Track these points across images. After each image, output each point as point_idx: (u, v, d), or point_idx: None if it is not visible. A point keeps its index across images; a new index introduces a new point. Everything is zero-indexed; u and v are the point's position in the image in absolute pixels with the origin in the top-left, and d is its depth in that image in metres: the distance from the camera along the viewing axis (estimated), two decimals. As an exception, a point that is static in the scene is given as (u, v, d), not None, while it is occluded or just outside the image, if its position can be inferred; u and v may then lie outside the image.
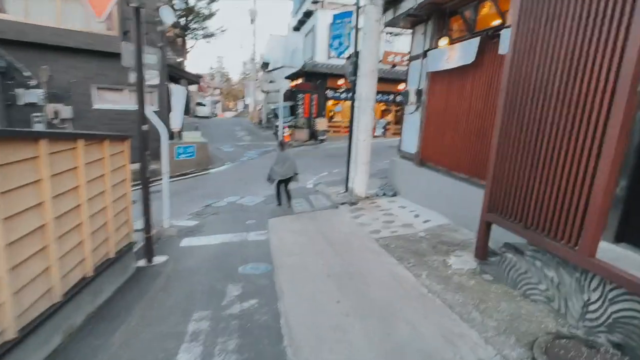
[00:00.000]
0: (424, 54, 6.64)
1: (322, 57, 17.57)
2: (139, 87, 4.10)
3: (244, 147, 16.16)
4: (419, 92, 6.81)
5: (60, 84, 9.73)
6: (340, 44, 7.94)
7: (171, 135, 12.02)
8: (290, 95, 21.05)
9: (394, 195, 7.47)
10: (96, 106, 10.42)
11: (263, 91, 29.32)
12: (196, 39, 16.02)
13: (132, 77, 5.47)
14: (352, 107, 8.15)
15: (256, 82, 30.77)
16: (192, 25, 15.45)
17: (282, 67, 23.06)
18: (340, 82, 17.38)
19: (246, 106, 63.60)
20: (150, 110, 5.53)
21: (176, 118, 11.68)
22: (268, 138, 19.97)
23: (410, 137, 7.28)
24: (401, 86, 18.28)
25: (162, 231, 5.88)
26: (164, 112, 11.64)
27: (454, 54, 5.36)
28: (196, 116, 34.03)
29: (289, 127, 17.17)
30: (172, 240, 5.68)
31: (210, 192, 9.25)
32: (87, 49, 9.70)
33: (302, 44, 20.72)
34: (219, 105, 65.55)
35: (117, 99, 10.81)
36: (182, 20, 15.60)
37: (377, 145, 15.67)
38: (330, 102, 18.82)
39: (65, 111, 9.88)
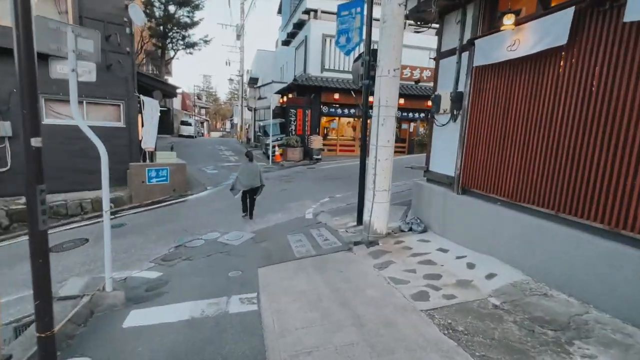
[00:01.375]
0: (463, 47, 5.09)
1: (315, 69, 16.17)
2: (23, 74, 2.24)
3: (230, 169, 14.31)
4: (456, 97, 5.21)
5: (-3, 93, 7.83)
6: (349, 40, 6.39)
7: (143, 156, 10.14)
8: (281, 111, 19.51)
9: (424, 231, 5.72)
10: (47, 121, 8.51)
11: (250, 109, 27.77)
12: (175, 49, 14.40)
13: (57, 70, 3.73)
14: (364, 120, 6.54)
15: (244, 100, 29.24)
16: (173, 35, 13.86)
17: (271, 82, 21.60)
18: (336, 96, 15.92)
19: (234, 126, 62.22)
20: (83, 123, 3.73)
21: (148, 135, 9.84)
22: (257, 158, 18.14)
23: (443, 155, 5.63)
24: (401, 100, 16.95)
25: (99, 299, 3.94)
26: (133, 128, 9.79)
27: (525, 37, 3.78)
28: (181, 135, 32.13)
29: (280, 145, 15.48)
30: (112, 317, 3.75)
31: (185, 226, 7.35)
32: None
33: (293, 57, 19.37)
34: (206, 125, 63.94)
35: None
36: (161, 29, 14.00)
37: None
38: (324, 119, 17.30)
39: (3, 127, 7.95)
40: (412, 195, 6.52)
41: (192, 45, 14.48)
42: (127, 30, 9.26)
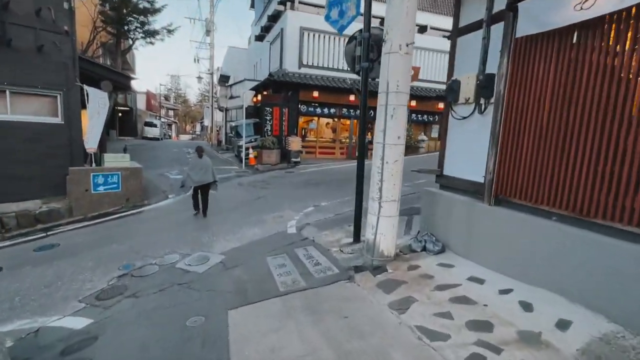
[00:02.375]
0: (494, 17, 3.98)
1: (293, 65, 14.89)
2: None
3: (197, 173, 12.66)
4: (485, 81, 4.08)
5: None
6: (342, 13, 5.16)
7: (90, 160, 8.40)
8: (254, 111, 18.03)
9: (442, 251, 4.56)
10: (-48, 115, 6.67)
11: (221, 109, 26.00)
12: (133, 38, 12.60)
13: None
14: (363, 112, 5.32)
15: (214, 99, 27.41)
16: (130, 20, 12.11)
17: (243, 80, 20.08)
18: (315, 94, 14.70)
19: (204, 128, 59.59)
20: None
21: (92, 134, 8.13)
22: (228, 162, 16.60)
23: (465, 156, 4.50)
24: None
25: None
26: (75, 125, 8.06)
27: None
28: (145, 137, 29.72)
29: (255, 147, 14.02)
30: None
31: (137, 246, 5.80)
32: None
33: (268, 53, 17.98)
34: (174, 127, 60.82)
35: (-8, 104, 7.11)
36: (115, 14, 12.18)
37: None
38: (302, 119, 16.02)
39: None
40: (422, 205, 5.35)
41: (152, 33, 12.75)
42: (65, 4, 7.58)
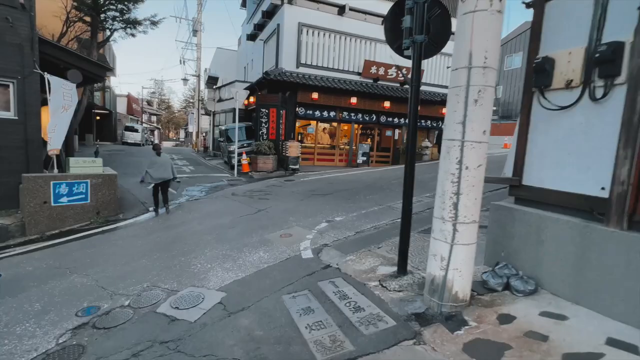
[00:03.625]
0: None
1: (290, 64, 13.65)
2: None
3: (184, 182, 11.15)
4: (609, 53, 2.90)
5: None
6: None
7: (51, 164, 6.86)
8: (245, 114, 16.65)
9: (534, 291, 3.30)
10: None
11: (209, 113, 24.48)
12: (111, 28, 11.12)
13: None
14: (413, 103, 4.07)
15: (200, 103, 25.86)
16: (108, 6, 10.61)
17: (234, 81, 18.71)
18: (315, 95, 13.48)
19: (188, 135, 57.56)
20: None
21: (56, 132, 6.61)
22: (218, 169, 15.10)
23: (567, 160, 3.29)
24: (386, 103, 14.94)
25: None
26: (32, 121, 6.53)
27: None
28: (125, 143, 27.77)
29: (249, 153, 12.61)
30: None
31: (104, 279, 4.34)
32: None
33: (261, 52, 16.71)
34: (157, 133, 58.64)
35: None
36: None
37: (382, 175, 10.56)
38: (298, 123, 14.75)
39: None
40: (490, 225, 4.09)
41: (133, 23, 11.28)
42: (22, -28, 6.12)
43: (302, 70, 13.89)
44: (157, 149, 7.69)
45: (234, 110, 19.82)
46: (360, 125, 15.79)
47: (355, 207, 7.52)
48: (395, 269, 4.26)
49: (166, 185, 7.55)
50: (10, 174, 6.23)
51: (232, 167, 13.59)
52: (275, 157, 12.42)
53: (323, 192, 9.18)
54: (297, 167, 12.38)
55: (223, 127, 16.17)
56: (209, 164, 17.09)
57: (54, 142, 6.49)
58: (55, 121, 6.53)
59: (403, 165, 12.69)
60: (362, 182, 10.63)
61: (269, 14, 15.20)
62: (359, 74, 14.97)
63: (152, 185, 7.40)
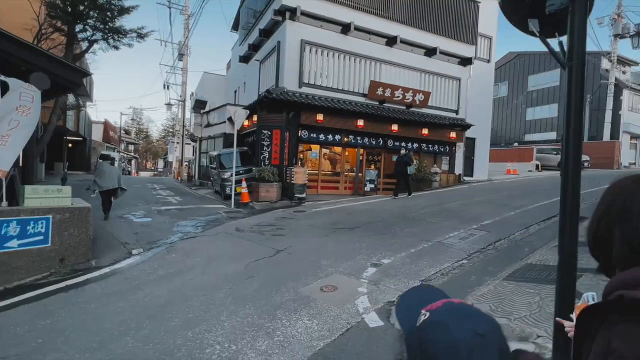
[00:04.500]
0: None
1: (292, 83, 12.46)
2: None
3: (172, 215, 9.36)
4: None
5: None
6: None
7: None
8: (239, 139, 15.15)
9: None
10: None
11: (195, 139, 22.83)
12: (90, 39, 9.63)
13: None
14: (576, 96, 2.66)
15: (186, 129, 24.22)
16: (88, 14, 9.18)
17: (225, 105, 17.33)
18: (320, 117, 12.23)
19: (168, 164, 55.19)
20: None
21: (7, 149, 4.86)
22: (208, 199, 13.33)
23: None
24: (394, 126, 13.87)
25: None
26: (-27, 136, 4.78)
27: None
28: (99, 172, 25.36)
29: (249, 180, 10.99)
30: None
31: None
32: None
33: (257, 74, 15.53)
34: (134, 163, 56.00)
35: None
36: (67, 7, 9.19)
37: (395, 207, 9.43)
38: (300, 147, 13.36)
39: None
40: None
41: (118, 32, 9.81)
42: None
43: (305, 90, 12.71)
44: (104, 158, 8.59)
45: (224, 135, 18.41)
46: (366, 150, 14.58)
47: (398, 245, 6.02)
48: (528, 346, 2.74)
49: (111, 194, 8.08)
50: None
51: (226, 197, 11.93)
52: (279, 185, 10.86)
53: (347, 225, 7.63)
54: (304, 195, 10.85)
55: (214, 153, 14.56)
56: (196, 194, 15.28)
57: (2, 160, 4.73)
58: (7, 129, 4.80)
59: (421, 193, 11.38)
60: (387, 212, 9.19)
61: (267, 32, 14.18)
62: (364, 95, 13.95)
63: (97, 192, 7.83)
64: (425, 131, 14.68)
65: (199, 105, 20.76)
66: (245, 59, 17.52)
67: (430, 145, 15.53)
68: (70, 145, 23.83)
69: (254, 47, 15.98)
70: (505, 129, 32.34)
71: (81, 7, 9.64)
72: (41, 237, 4.88)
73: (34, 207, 4.91)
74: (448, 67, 16.03)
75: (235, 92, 20.68)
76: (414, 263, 5.12)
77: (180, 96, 23.63)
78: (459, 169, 16.95)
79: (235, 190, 10.76)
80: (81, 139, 25.46)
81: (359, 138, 13.67)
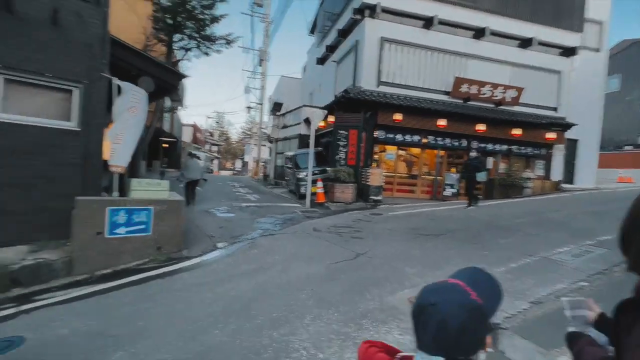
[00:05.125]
0: None
1: (369, 82, 12.16)
2: None
3: (252, 212, 9.74)
4: None
5: None
6: None
7: (108, 186, 5.70)
8: (314, 139, 15.31)
9: None
10: None
11: (271, 140, 23.87)
12: (186, 47, 10.62)
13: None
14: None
15: (262, 131, 25.46)
16: (185, 25, 10.17)
17: (301, 106, 17.73)
18: (398, 116, 11.69)
19: (245, 164, 58.98)
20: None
21: (122, 146, 5.43)
22: (284, 198, 13.68)
23: None
24: (481, 127, 12.65)
25: None
26: (94, 133, 5.42)
27: None
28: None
29: (325, 180, 10.97)
30: None
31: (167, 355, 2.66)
32: None
33: (333, 75, 15.57)
34: (216, 162, 60.89)
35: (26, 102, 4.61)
36: (170, 21, 10.26)
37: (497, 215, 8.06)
38: (376, 148, 12.95)
39: None
40: None
41: (209, 39, 10.71)
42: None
43: (382, 89, 12.30)
44: (191, 155, 10.18)
45: (299, 136, 18.87)
46: (446, 152, 13.58)
47: (494, 258, 5.31)
48: None
49: (195, 184, 9.66)
50: (63, 197, 5.06)
51: (301, 197, 12.08)
52: (355, 186, 10.63)
53: (430, 231, 7.07)
54: (380, 198, 10.45)
55: (290, 153, 14.95)
56: (272, 192, 15.84)
57: (118, 157, 5.29)
58: (121, 127, 5.36)
59: (510, 201, 10.10)
60: (473, 219, 8.35)
61: (345, 32, 14.08)
62: (446, 93, 13.01)
63: (184, 183, 9.45)
64: (516, 131, 13.15)
65: (276, 107, 21.62)
66: (321, 60, 17.70)
67: (522, 148, 13.89)
68: (165, 145, 26.72)
69: (331, 48, 16.03)
70: (615, 129, 27.66)
71: (179, 19, 10.57)
72: (144, 226, 5.34)
73: (139, 198, 5.39)
74: (546, 59, 14.16)
75: (311, 94, 21.05)
76: (518, 280, 4.42)
77: (260, 99, 24.92)
78: (556, 174, 14.86)
79: (310, 190, 10.82)
80: (174, 139, 28.37)
81: (439, 139, 12.79)
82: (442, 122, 12.23)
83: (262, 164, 27.31)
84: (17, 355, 2.99)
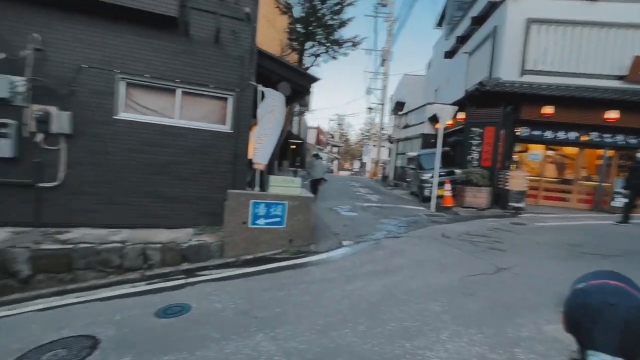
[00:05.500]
0: None
1: (510, 72, 10.61)
2: None
3: (374, 212, 9.65)
4: None
5: (56, 69, 5.16)
6: None
7: (250, 181, 6.41)
8: (435, 139, 14.27)
9: None
10: (122, 115, 5.53)
11: (392, 141, 23.45)
12: (316, 54, 11.27)
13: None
14: None
15: (382, 132, 25.22)
16: (315, 32, 10.84)
17: (424, 105, 16.82)
18: (548, 109, 9.85)
19: (363, 165, 59.77)
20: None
21: (262, 144, 6.04)
22: (403, 199, 13.19)
23: None
24: (612, 114, 9.54)
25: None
26: (242, 135, 6.17)
27: None
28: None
29: (454, 182, 10.09)
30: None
31: (298, 355, 2.76)
32: (113, 4, 5.03)
33: (464, 68, 14.23)
34: (336, 163, 63.54)
35: (162, 106, 5.80)
36: (302, 29, 11.08)
37: None
38: (516, 148, 11.22)
39: (59, 120, 5.16)
40: None
41: (337, 43, 11.17)
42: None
43: (527, 78, 10.58)
44: (316, 157, 11.21)
45: (422, 135, 17.96)
46: (616, 152, 10.80)
47: None
48: None
49: (319, 182, 10.42)
50: (217, 189, 5.93)
51: (425, 199, 11.40)
52: (490, 191, 9.42)
53: (596, 250, 5.66)
54: (522, 205, 8.98)
55: (413, 153, 14.33)
56: (392, 194, 15.48)
57: (260, 155, 5.91)
58: (263, 128, 5.97)
59: None
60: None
61: (480, 19, 12.67)
62: (619, 77, 10.34)
63: (309, 181, 10.39)
64: (614, 115, 9.54)
65: (398, 107, 21.10)
66: (450, 54, 16.42)
67: (628, 135, 10.03)
68: (293, 147, 29.19)
69: (462, 39, 14.69)
70: None
71: (310, 27, 11.26)
72: (279, 219, 5.80)
73: (275, 193, 5.89)
74: None
75: (436, 90, 19.79)
76: None
77: (380, 100, 24.76)
78: None
79: (436, 193, 10.08)
80: (300, 141, 30.75)
81: (607, 135, 10.27)
82: (611, 115, 9.78)
83: (381, 164, 27.10)
84: (185, 319, 3.56)
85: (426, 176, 11.55)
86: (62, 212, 5.26)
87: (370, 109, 26.01)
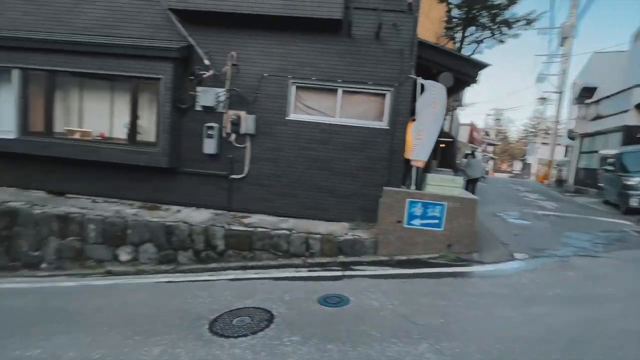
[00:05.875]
0: None
1: None
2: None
3: (552, 222, 7.92)
4: None
5: (246, 79, 6.11)
6: None
7: (404, 178, 6.19)
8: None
9: None
10: (292, 116, 6.16)
11: (571, 137, 19.04)
12: (478, 40, 9.99)
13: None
14: None
15: (559, 126, 20.74)
16: (478, 16, 9.65)
17: (629, 88, 12.89)
18: None
19: (526, 166, 50.92)
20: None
21: (421, 141, 5.72)
22: (592, 209, 10.41)
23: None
24: None
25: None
26: (399, 131, 5.99)
27: None
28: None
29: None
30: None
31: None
32: (287, 16, 5.64)
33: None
34: (491, 163, 56.44)
35: (325, 105, 6.18)
36: (462, 16, 10.06)
37: None
38: None
39: (247, 122, 6.13)
40: None
41: (507, 23, 9.60)
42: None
43: None
44: (471, 154, 10.66)
45: (624, 128, 13.82)
46: None
47: None
48: None
49: (476, 181, 9.94)
50: (373, 186, 5.92)
51: (628, 211, 8.71)
52: None
53: None
54: None
55: (610, 152, 11.16)
56: (574, 201, 12.49)
57: (419, 151, 5.60)
58: (422, 123, 5.62)
59: None
60: None
61: None
62: None
63: (465, 180, 9.22)
64: None
65: (585, 93, 16.88)
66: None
67: None
68: (442, 145, 27.29)
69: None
70: None
71: (474, 10, 10.14)
72: (436, 221, 5.35)
73: (433, 193, 5.47)
74: None
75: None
76: None
77: (558, 87, 20.38)
78: None
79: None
80: (451, 139, 28.47)
81: None
82: None
83: (556, 165, 22.37)
84: (345, 312, 3.62)
85: (633, 181, 8.78)
86: (245, 199, 6.26)
87: (542, 99, 21.74)
